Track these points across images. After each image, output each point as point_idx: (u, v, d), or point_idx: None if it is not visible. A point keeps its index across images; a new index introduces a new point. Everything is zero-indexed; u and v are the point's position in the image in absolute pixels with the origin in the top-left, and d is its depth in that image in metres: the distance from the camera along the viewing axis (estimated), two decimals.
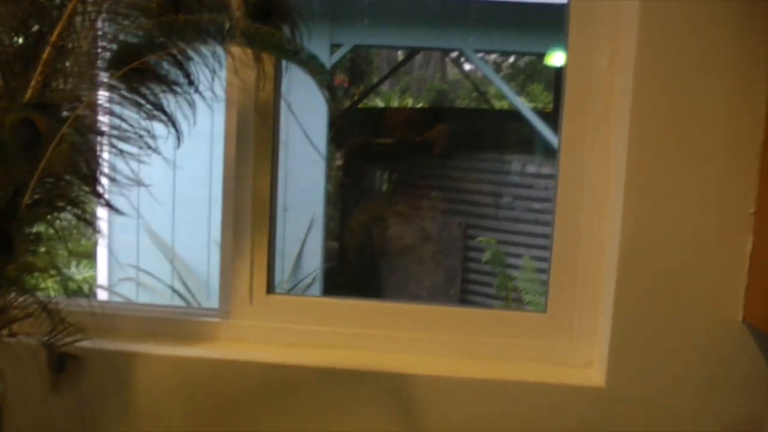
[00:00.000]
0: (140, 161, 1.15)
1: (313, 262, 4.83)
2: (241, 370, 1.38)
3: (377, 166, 5.76)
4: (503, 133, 5.83)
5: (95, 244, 4.89)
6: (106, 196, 1.12)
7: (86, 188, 1.10)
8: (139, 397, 1.39)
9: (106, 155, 1.15)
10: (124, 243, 4.69)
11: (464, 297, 5.11)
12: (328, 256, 5.07)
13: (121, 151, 1.14)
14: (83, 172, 1.11)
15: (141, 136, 1.14)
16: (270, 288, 1.48)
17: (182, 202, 4.53)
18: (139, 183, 1.15)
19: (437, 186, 5.36)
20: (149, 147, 1.14)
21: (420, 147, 5.37)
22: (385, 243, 5.14)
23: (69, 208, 1.10)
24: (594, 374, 1.35)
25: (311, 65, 1.08)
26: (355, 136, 5.77)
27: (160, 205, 4.54)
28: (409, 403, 1.35)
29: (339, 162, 5.98)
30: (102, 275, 4.78)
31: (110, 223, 4.71)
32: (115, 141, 1.14)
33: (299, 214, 4.75)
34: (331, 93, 1.14)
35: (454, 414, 1.35)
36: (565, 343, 1.40)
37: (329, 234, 5.16)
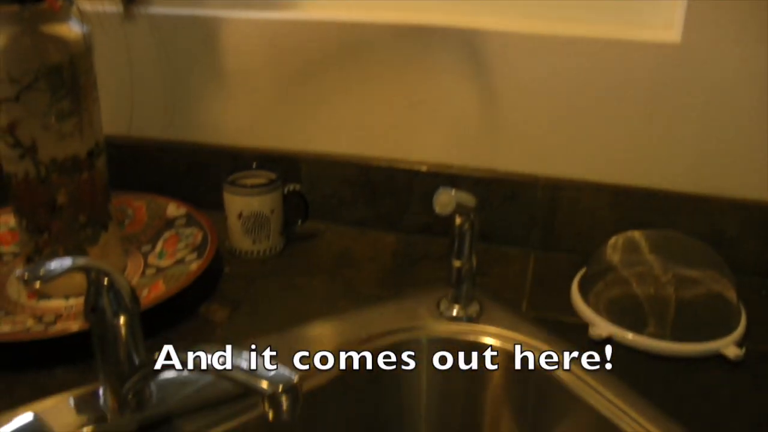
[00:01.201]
0: None
1: None
2: (322, 30, 1.42)
3: None
4: None
5: None
6: None
7: None
8: (228, 59, 1.47)
9: None
10: None
11: None
12: None
13: None
14: None
15: None
16: None
17: None
18: None
19: None
20: None
21: None
22: None
23: None
24: (673, 34, 1.34)
25: None
26: None
27: None
28: (484, 59, 1.37)
29: None
30: None
31: None
32: None
33: None
34: None
35: (532, 70, 1.36)
36: (646, 2, 1.37)
37: None
